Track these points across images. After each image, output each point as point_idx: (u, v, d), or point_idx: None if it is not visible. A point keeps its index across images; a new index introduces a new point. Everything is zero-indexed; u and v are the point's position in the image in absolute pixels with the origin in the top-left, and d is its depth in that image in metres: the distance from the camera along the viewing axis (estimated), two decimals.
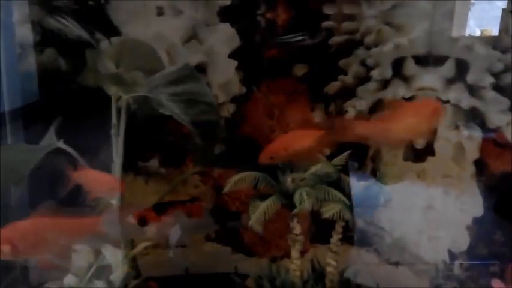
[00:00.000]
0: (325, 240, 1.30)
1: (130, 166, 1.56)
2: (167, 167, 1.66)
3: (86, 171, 1.17)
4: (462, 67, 1.48)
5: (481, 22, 1.53)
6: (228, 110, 1.65)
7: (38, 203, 1.57)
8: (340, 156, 1.18)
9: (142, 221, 1.29)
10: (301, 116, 1.67)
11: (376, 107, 1.56)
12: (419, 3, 1.45)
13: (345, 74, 1.60)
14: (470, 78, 1.47)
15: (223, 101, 1.63)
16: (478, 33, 1.53)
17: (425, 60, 1.45)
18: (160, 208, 1.43)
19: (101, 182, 1.17)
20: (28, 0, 1.40)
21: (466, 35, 1.50)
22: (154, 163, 1.66)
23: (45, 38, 1.44)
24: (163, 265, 1.56)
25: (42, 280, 1.30)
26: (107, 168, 1.35)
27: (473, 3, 1.53)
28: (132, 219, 1.18)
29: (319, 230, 1.57)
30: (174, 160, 1.66)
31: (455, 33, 1.47)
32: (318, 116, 1.65)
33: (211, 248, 1.71)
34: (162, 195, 1.43)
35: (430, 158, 1.50)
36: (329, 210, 1.06)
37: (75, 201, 1.58)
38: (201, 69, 1.57)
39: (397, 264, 1.56)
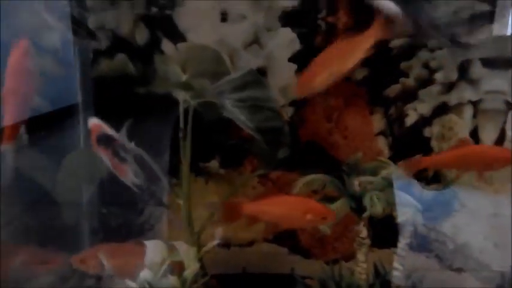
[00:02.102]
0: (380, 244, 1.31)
1: (191, 167, 1.62)
2: (226, 168, 1.71)
3: None
4: None
5: None
6: (287, 113, 1.67)
7: (106, 202, 1.67)
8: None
9: None
10: (360, 119, 1.67)
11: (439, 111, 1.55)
12: (498, 12, 1.42)
13: (407, 76, 1.59)
14: None
15: (283, 104, 1.65)
16: None
17: (493, 63, 1.42)
18: None
19: None
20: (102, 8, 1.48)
21: None
22: (214, 164, 1.70)
23: (116, 44, 1.52)
24: (221, 263, 1.60)
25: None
26: (173, 170, 1.41)
27: None
28: None
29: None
30: (233, 161, 1.70)
31: None
32: (377, 119, 1.65)
33: (268, 249, 1.74)
34: (224, 197, 1.46)
35: None
36: (402, 215, 1.06)
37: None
38: (261, 73, 1.60)
39: (460, 270, 1.53)
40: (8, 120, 1.15)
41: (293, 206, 1.16)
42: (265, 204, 1.18)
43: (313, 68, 1.20)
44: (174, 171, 1.43)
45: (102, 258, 1.24)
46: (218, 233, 1.31)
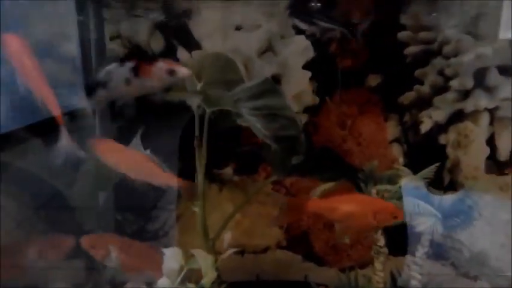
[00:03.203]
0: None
1: (205, 173, 1.62)
2: (240, 174, 1.71)
3: None
4: None
5: None
6: (301, 120, 1.67)
7: (121, 206, 1.68)
8: (428, 169, 1.17)
9: None
10: (374, 126, 1.67)
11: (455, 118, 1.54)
12: (503, 12, 1.42)
13: (421, 83, 1.59)
14: None
15: (296, 111, 1.66)
16: None
17: (509, 70, 1.42)
18: None
19: None
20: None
21: None
22: (228, 171, 1.71)
23: (132, 52, 1.54)
24: (235, 270, 1.60)
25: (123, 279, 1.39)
26: (189, 177, 1.42)
27: None
28: None
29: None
30: (247, 168, 1.71)
31: None
32: (392, 126, 1.64)
33: (282, 256, 1.74)
34: (239, 204, 1.46)
35: None
36: (422, 224, 1.06)
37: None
38: (275, 80, 1.61)
39: (476, 278, 1.51)
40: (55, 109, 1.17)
41: (362, 204, 1.12)
42: (332, 202, 1.12)
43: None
44: (188, 178, 1.44)
45: (112, 249, 1.26)
46: (227, 238, 1.31)
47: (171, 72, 1.11)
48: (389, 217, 1.08)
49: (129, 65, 1.12)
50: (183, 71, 1.11)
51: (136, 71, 1.12)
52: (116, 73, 1.15)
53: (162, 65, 1.11)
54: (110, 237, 1.38)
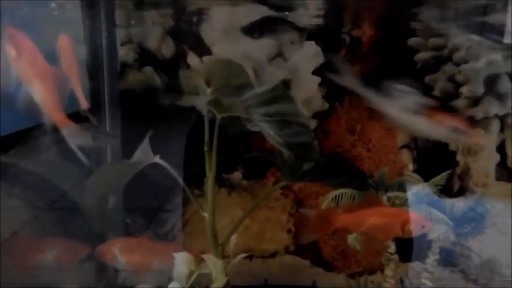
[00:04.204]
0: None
1: (215, 178, 1.63)
2: (249, 179, 1.71)
3: None
4: None
5: None
6: (310, 125, 1.67)
7: (130, 209, 1.69)
8: (439, 176, 1.17)
9: None
10: (384, 131, 1.66)
11: None
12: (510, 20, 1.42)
13: (432, 90, 1.59)
14: None
15: (306, 116, 1.66)
16: None
17: None
18: None
19: None
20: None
21: None
22: (237, 176, 1.71)
23: (143, 58, 1.55)
24: (243, 275, 1.60)
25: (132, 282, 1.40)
26: (196, 181, 1.43)
27: None
28: None
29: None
30: (256, 173, 1.71)
31: None
32: (401, 132, 1.64)
33: (291, 261, 1.74)
34: (248, 209, 1.47)
35: None
36: (434, 231, 1.06)
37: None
38: (285, 85, 1.61)
39: (485, 286, 1.51)
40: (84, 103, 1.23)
41: (389, 216, 1.12)
42: (359, 216, 1.13)
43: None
44: (196, 182, 1.44)
45: (116, 252, 1.28)
46: (233, 241, 1.31)
47: None
48: (418, 228, 1.08)
49: None
50: None
51: None
52: None
53: None
54: (114, 242, 1.39)
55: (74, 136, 1.15)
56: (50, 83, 1.13)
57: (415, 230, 1.08)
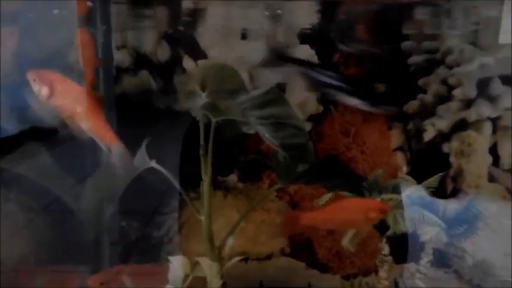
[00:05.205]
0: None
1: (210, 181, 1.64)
2: (245, 182, 1.72)
3: None
4: None
5: None
6: (305, 128, 1.68)
7: (126, 215, 1.69)
8: (432, 178, 1.18)
9: None
10: (378, 134, 1.68)
11: (458, 127, 1.55)
12: (504, 22, 1.43)
13: (425, 92, 1.60)
14: None
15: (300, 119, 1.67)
16: None
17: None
18: None
19: None
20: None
21: None
22: (233, 178, 1.72)
23: (139, 62, 1.55)
24: (239, 277, 1.61)
25: None
26: (192, 184, 1.43)
27: None
28: None
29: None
30: (251, 176, 1.72)
31: None
32: (395, 135, 1.66)
33: (286, 263, 1.74)
34: (244, 211, 1.47)
35: None
36: (427, 233, 1.07)
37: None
38: (279, 89, 1.62)
39: (479, 287, 1.52)
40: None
41: (352, 208, 1.16)
42: (324, 213, 1.18)
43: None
44: (192, 185, 1.45)
45: (125, 280, 1.26)
46: (229, 243, 1.32)
47: None
48: (379, 213, 1.13)
49: None
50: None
51: None
52: None
53: None
54: (117, 269, 1.38)
55: (121, 154, 1.15)
56: (93, 109, 1.10)
57: (376, 216, 1.13)
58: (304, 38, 1.60)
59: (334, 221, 1.17)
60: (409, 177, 1.24)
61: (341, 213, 1.16)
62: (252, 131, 1.30)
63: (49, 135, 1.40)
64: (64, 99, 1.07)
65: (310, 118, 1.70)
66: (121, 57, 1.56)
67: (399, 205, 1.14)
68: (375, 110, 1.58)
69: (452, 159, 1.59)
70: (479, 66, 1.44)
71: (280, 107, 1.27)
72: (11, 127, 1.38)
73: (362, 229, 1.29)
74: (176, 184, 1.31)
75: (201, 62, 1.57)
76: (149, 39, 1.59)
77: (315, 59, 1.64)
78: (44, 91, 1.04)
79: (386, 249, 1.15)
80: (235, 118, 1.22)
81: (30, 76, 1.04)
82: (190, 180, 1.49)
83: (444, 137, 1.60)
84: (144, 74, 1.56)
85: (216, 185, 1.72)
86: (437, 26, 1.57)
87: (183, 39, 1.60)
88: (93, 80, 1.29)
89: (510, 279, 1.44)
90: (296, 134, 1.22)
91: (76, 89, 1.09)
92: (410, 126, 1.65)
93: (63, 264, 1.52)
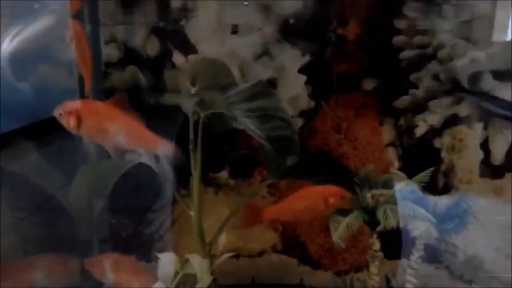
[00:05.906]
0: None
1: (201, 177, 1.63)
2: (236, 178, 1.71)
3: None
4: None
5: None
6: (296, 124, 1.67)
7: (116, 213, 1.67)
8: (423, 173, 1.18)
9: None
10: (369, 130, 1.67)
11: (450, 122, 1.55)
12: (498, 17, 1.43)
13: (416, 88, 1.60)
14: None
15: (292, 115, 1.66)
16: None
17: (504, 75, 1.43)
18: None
19: None
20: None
21: None
22: (224, 175, 1.71)
23: (128, 56, 1.54)
24: (231, 274, 1.60)
25: None
26: (183, 181, 1.42)
27: None
28: None
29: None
30: (242, 172, 1.71)
31: None
32: (387, 130, 1.65)
33: (278, 259, 1.74)
34: (235, 208, 1.46)
35: (508, 175, 1.46)
36: (417, 228, 1.07)
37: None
38: (271, 84, 1.61)
39: (470, 282, 1.52)
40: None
41: (312, 197, 1.16)
42: (285, 204, 1.18)
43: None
44: (183, 181, 1.44)
45: (106, 267, 1.27)
46: (222, 240, 1.31)
47: None
48: (338, 199, 1.14)
49: None
50: None
51: None
52: None
53: None
54: (106, 256, 1.38)
55: (168, 151, 1.13)
56: (126, 118, 1.06)
57: (335, 201, 1.14)
58: (296, 32, 1.59)
59: (295, 211, 1.18)
60: (400, 173, 1.24)
61: (301, 202, 1.17)
62: (242, 126, 1.29)
63: (39, 134, 1.38)
64: (95, 123, 1.05)
65: (302, 114, 1.69)
66: (109, 52, 1.54)
67: (390, 200, 1.13)
68: None
69: (443, 154, 1.59)
70: (470, 61, 1.43)
71: (267, 99, 1.26)
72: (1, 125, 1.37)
73: (323, 216, 1.30)
74: (167, 180, 1.30)
75: (191, 56, 1.55)
76: (138, 33, 1.57)
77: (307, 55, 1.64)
78: (72, 123, 1.02)
79: (377, 245, 1.14)
80: (221, 111, 1.21)
81: (56, 113, 1.02)
82: (181, 177, 1.48)
83: (436, 132, 1.59)
84: (133, 69, 1.55)
85: (207, 181, 1.71)
86: (429, 20, 1.56)
87: (172, 33, 1.58)
88: (90, 71, 1.27)
89: (500, 276, 1.44)
90: (282, 127, 1.21)
91: (103, 107, 1.07)
92: (401, 121, 1.64)
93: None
